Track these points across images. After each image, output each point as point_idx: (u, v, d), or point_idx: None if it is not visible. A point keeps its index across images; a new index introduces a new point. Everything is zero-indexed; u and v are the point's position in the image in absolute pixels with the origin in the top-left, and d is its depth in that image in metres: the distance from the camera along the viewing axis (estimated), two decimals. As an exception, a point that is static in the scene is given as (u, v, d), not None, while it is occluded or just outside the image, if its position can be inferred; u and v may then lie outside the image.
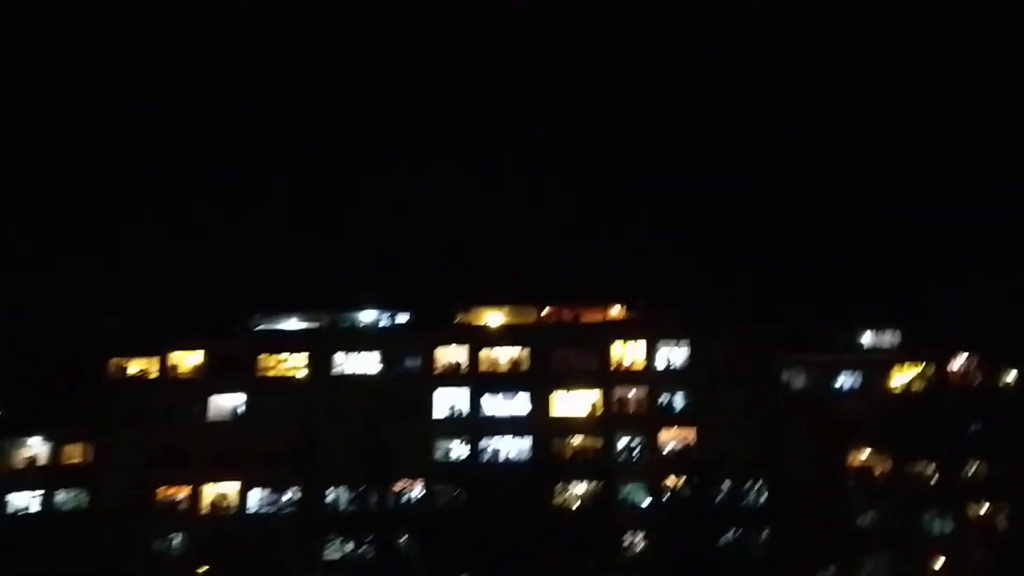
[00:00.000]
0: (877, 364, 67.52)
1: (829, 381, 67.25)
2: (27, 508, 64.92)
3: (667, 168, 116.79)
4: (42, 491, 65.15)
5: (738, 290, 68.39)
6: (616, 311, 71.48)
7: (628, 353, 68.87)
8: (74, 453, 67.77)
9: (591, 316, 70.83)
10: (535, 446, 64.06)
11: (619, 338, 68.83)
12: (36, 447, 68.00)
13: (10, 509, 64.88)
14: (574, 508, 52.38)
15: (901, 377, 67.32)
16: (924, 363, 66.56)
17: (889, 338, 69.69)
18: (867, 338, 70.22)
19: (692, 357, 67.66)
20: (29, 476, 66.58)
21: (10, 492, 65.76)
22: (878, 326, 69.54)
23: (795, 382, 67.69)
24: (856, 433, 61.85)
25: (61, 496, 64.07)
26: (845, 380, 67.71)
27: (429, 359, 68.45)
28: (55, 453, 67.51)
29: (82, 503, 61.30)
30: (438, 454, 64.27)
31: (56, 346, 70.56)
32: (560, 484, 51.19)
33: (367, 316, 71.43)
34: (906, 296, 69.53)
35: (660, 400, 67.34)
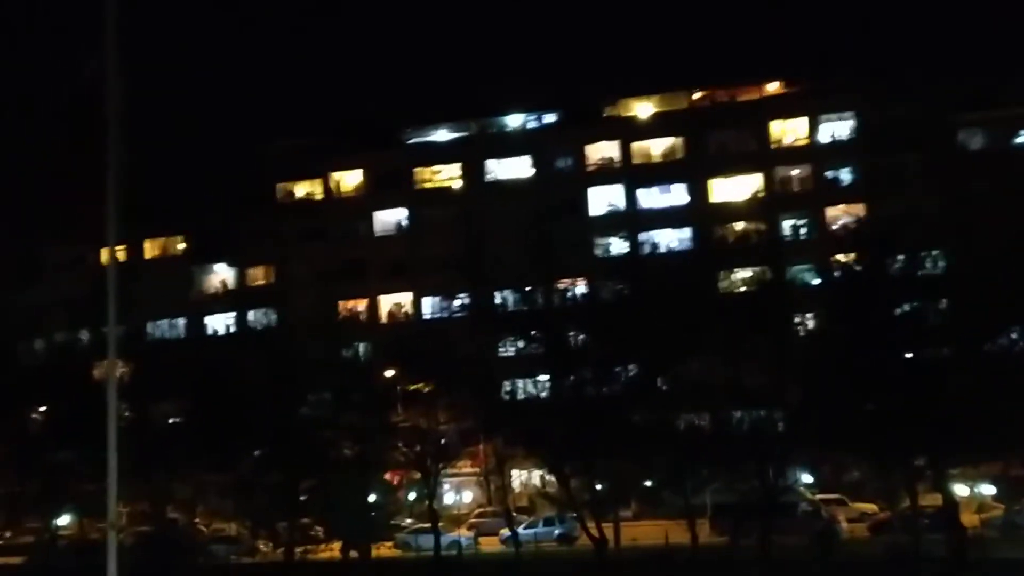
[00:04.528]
0: (1066, 114, 62.23)
1: (1011, 138, 62.67)
2: (223, 329, 70.34)
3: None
4: (235, 312, 70.22)
5: (903, 49, 63.39)
6: (774, 87, 68.04)
7: (789, 130, 66.00)
8: (258, 275, 72.31)
9: (747, 95, 67.77)
10: (696, 235, 63.32)
11: (778, 116, 65.87)
12: (224, 272, 72.85)
13: (208, 331, 70.47)
14: (741, 293, 51.85)
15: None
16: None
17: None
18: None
19: (858, 128, 64.23)
20: (221, 300, 71.75)
21: (207, 315, 71.23)
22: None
23: (973, 142, 63.48)
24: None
25: (252, 315, 68.80)
26: (1029, 136, 62.99)
27: (581, 157, 67.81)
28: (241, 276, 72.21)
29: (271, 321, 65.66)
30: (598, 251, 64.68)
31: (228, 174, 73.95)
32: (725, 271, 50.66)
33: (514, 120, 70.90)
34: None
35: (826, 176, 64.84)
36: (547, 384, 46.73)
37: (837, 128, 65.16)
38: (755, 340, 41.85)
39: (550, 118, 70.58)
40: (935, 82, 62.46)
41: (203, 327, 70.86)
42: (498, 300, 53.45)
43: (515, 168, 68.67)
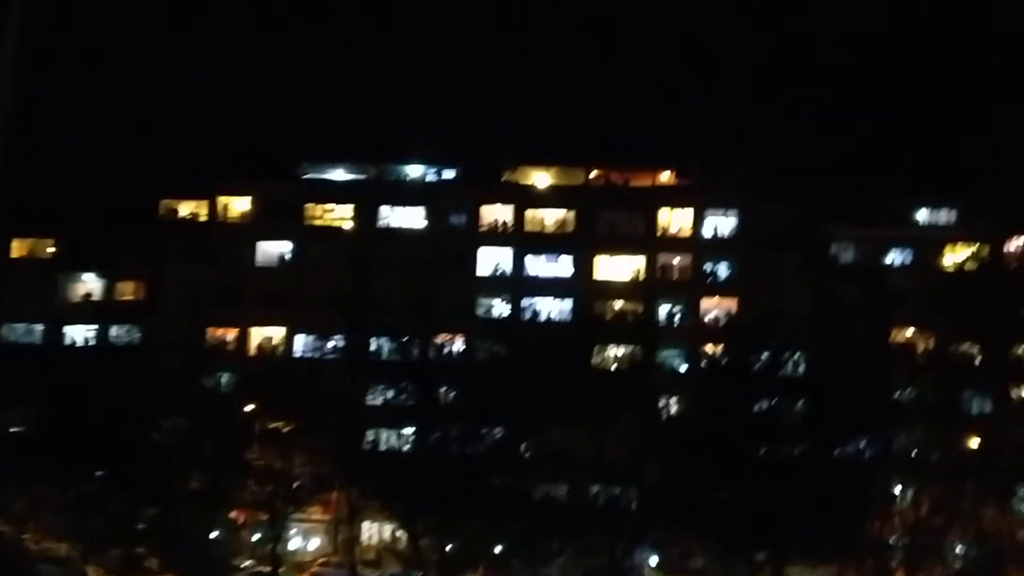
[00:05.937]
0: (930, 241, 66.19)
1: (879, 256, 66.25)
2: (83, 341, 67.31)
3: (720, 27, 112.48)
4: (96, 325, 67.35)
5: (791, 159, 66.61)
6: (666, 177, 70.41)
7: (675, 219, 68.19)
8: (127, 290, 69.71)
9: (640, 180, 69.85)
10: (576, 308, 64.46)
11: (667, 204, 68.02)
12: (91, 283, 70.00)
13: (66, 341, 67.35)
14: (612, 369, 52.93)
15: (954, 256, 66.04)
16: (979, 243, 65.08)
17: (944, 215, 68.12)
18: (922, 214, 68.71)
19: (740, 226, 66.83)
20: (85, 310, 68.76)
21: (66, 325, 68.12)
22: (934, 202, 67.83)
23: (844, 255, 66.83)
24: (902, 309, 61.22)
25: (114, 331, 66.12)
26: (896, 256, 66.68)
27: (475, 216, 68.41)
28: (109, 289, 69.47)
29: (134, 339, 63.26)
30: (480, 310, 65.05)
31: (110, 184, 71.46)
32: (599, 346, 51.80)
33: (414, 170, 71.13)
34: (965, 173, 67.34)
35: (705, 268, 67.07)
36: (411, 437, 46.39)
37: (720, 223, 67.70)
38: (620, 416, 42.73)
39: (449, 173, 71.05)
40: (819, 190, 65.67)
41: (62, 336, 67.69)
42: (373, 346, 53.11)
43: (409, 217, 68.67)
